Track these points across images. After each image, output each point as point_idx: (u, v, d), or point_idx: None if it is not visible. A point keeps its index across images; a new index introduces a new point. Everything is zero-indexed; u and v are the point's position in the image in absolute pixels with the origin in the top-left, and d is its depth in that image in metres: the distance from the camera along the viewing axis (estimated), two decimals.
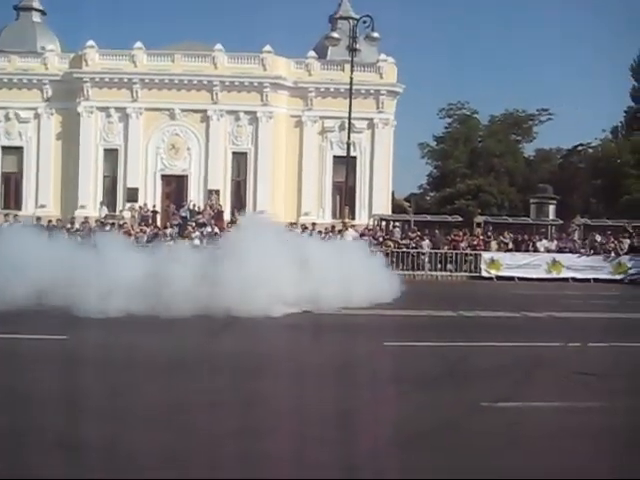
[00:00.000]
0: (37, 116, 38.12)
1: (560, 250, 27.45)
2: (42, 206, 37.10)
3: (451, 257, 26.68)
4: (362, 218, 36.55)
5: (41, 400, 6.56)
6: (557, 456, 5.55)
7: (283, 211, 35.13)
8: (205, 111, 37.92)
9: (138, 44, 37.63)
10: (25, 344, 9.54)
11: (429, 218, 32.58)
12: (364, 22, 26.79)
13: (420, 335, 11.08)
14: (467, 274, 26.40)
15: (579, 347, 10.45)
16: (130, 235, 25.32)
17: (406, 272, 24.38)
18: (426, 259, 26.31)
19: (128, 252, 14.19)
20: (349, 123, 28.45)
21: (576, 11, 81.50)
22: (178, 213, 30.58)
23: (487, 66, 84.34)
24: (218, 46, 37.99)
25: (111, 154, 38.00)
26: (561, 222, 32.18)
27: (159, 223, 31.35)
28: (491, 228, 29.60)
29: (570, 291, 21.57)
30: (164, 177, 38.31)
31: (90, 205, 36.51)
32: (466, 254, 26.77)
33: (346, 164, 29.88)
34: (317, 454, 5.39)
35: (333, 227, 27.25)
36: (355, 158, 36.92)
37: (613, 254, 26.77)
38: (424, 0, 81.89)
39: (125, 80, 37.31)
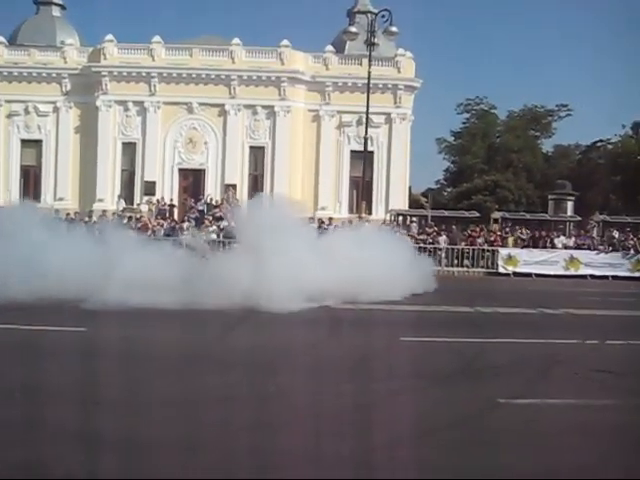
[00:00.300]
0: (56, 109, 38.40)
1: (578, 247, 27.28)
2: (60, 199, 37.43)
3: (468, 253, 26.60)
4: (379, 213, 36.53)
5: (57, 392, 6.60)
6: (573, 454, 5.52)
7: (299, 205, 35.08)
8: (223, 105, 37.99)
9: (156, 38, 37.76)
10: (44, 336, 9.62)
11: (446, 213, 32.43)
12: (382, 16, 26.68)
13: (437, 331, 11.05)
14: (484, 270, 26.32)
15: (596, 345, 10.38)
16: (147, 228, 25.48)
17: None
18: (443, 255, 26.25)
19: (146, 245, 14.27)
20: (367, 118, 28.38)
21: (600, 5, 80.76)
22: (195, 207, 30.68)
23: (505, 61, 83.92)
24: (236, 40, 38.03)
25: (129, 148, 38.21)
26: (579, 219, 31.94)
27: (176, 217, 31.49)
28: (509, 224, 29.46)
29: (588, 288, 21.44)
30: (181, 171, 38.46)
31: (108, 198, 36.77)
32: (483, 250, 26.67)
33: (363, 159, 29.81)
34: (333, 449, 5.40)
35: (350, 222, 27.21)
36: (372, 153, 36.83)
37: (632, 251, 26.56)
38: None
39: (143, 74, 37.48)
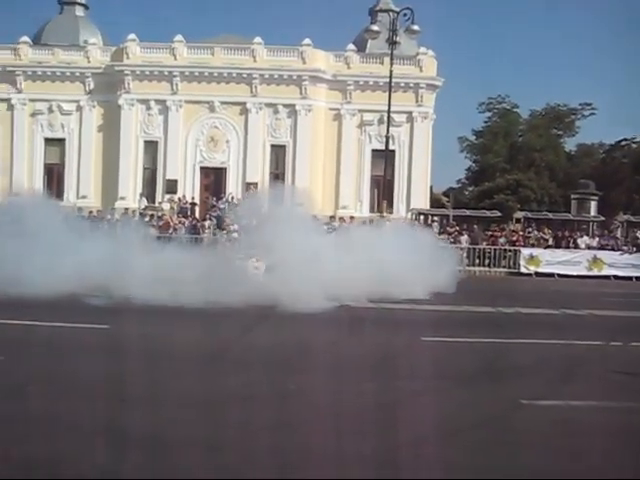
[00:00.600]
0: (79, 108, 38.70)
1: (601, 247, 27.03)
2: (83, 197, 37.73)
3: (489, 252, 26.45)
4: (400, 212, 36.38)
5: (82, 388, 6.67)
6: (596, 456, 5.45)
7: (321, 204, 35.10)
8: (244, 104, 38.06)
9: (178, 37, 37.93)
10: (68, 333, 9.69)
11: (468, 213, 32.29)
12: (404, 15, 26.64)
13: (458, 331, 10.99)
14: (506, 270, 26.16)
15: (620, 346, 10.26)
16: (169, 226, 25.62)
17: None
18: (464, 254, 26.11)
19: (169, 243, 14.34)
20: (388, 116, 28.32)
21: (624, 2, 79.86)
22: (217, 205, 30.78)
23: (527, 60, 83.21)
24: (257, 39, 38.09)
25: (151, 146, 38.42)
26: (603, 219, 31.61)
27: (197, 215, 31.63)
28: (533, 224, 29.24)
29: (611, 289, 21.24)
30: (203, 169, 38.59)
31: (130, 196, 36.99)
32: (505, 250, 26.50)
33: (384, 158, 29.76)
34: (354, 448, 5.38)
35: (371, 221, 27.16)
36: (394, 152, 36.70)
37: None
38: None
39: (165, 73, 37.66)
